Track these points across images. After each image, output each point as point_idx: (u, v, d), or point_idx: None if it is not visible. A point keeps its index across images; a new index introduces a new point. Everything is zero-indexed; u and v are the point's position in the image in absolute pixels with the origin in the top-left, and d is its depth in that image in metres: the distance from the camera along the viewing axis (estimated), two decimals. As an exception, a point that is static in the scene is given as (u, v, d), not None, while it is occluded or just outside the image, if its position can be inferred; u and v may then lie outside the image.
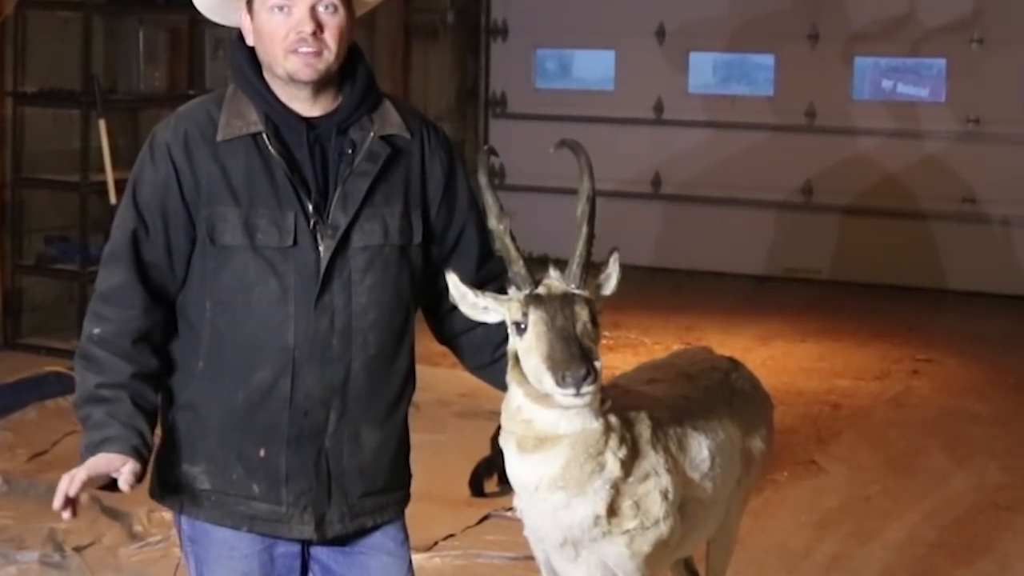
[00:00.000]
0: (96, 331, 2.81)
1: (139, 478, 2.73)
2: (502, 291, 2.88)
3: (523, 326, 2.76)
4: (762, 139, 10.78)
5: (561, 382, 2.66)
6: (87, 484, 2.67)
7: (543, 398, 2.75)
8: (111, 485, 2.71)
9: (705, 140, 10.91)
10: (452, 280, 2.84)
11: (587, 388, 2.66)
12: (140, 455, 2.73)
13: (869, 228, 10.51)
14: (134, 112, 8.61)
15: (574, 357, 2.66)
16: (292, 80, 2.82)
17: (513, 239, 2.80)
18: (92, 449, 2.73)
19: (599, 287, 2.86)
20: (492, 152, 2.96)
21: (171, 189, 2.82)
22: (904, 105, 10.58)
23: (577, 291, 2.78)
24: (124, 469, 2.68)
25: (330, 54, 2.81)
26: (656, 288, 10.15)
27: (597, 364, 2.69)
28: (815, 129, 10.66)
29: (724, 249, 10.81)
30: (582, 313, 2.75)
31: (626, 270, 2.90)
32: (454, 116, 11.25)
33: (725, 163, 10.78)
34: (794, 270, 10.72)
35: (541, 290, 2.78)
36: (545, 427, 2.79)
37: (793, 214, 10.76)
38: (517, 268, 2.80)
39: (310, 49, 2.79)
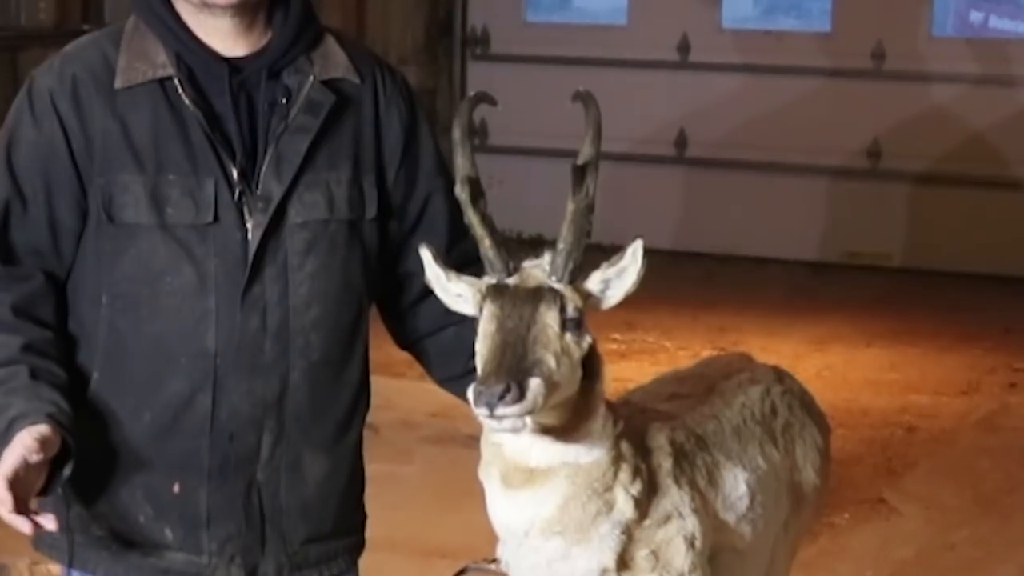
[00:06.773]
0: None
1: (52, 448, 2.66)
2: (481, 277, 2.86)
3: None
4: (816, 87, 10.79)
5: (476, 399, 2.59)
6: (14, 484, 2.60)
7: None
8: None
9: (743, 88, 10.91)
10: (426, 257, 2.81)
11: (504, 410, 2.57)
12: (55, 420, 2.68)
13: (952, 201, 10.53)
14: (12, 52, 8.59)
15: (499, 368, 2.62)
16: (206, 6, 2.82)
17: (482, 211, 2.77)
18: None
19: (605, 284, 2.80)
20: (485, 99, 2.86)
21: (56, 150, 2.82)
22: (996, 44, 10.60)
23: (556, 285, 2.75)
24: (29, 441, 2.62)
25: None
26: (680, 278, 10.15)
27: (532, 381, 2.60)
28: (884, 74, 10.68)
29: (767, 228, 10.83)
30: (546, 315, 2.69)
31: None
32: (423, 58, 11.25)
33: (768, 118, 10.79)
34: (857, 255, 10.74)
35: (512, 280, 2.76)
36: (515, 456, 2.78)
37: (856, 183, 10.78)
38: (484, 248, 2.77)
39: None
